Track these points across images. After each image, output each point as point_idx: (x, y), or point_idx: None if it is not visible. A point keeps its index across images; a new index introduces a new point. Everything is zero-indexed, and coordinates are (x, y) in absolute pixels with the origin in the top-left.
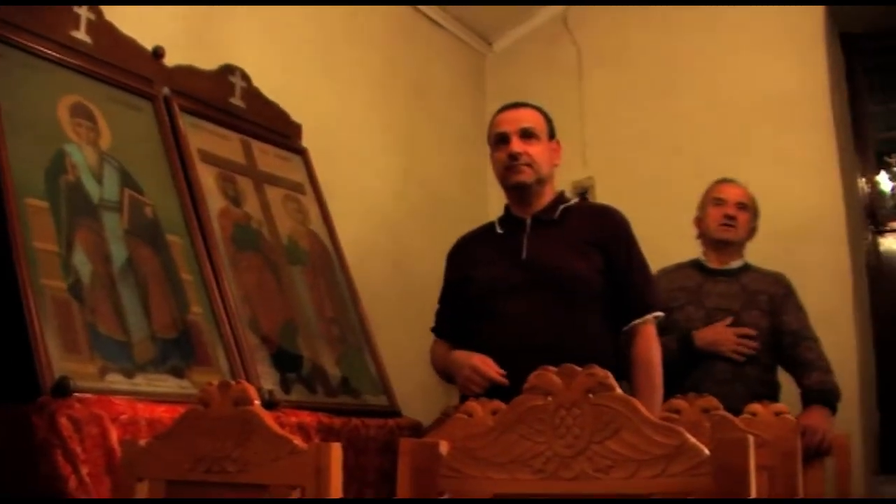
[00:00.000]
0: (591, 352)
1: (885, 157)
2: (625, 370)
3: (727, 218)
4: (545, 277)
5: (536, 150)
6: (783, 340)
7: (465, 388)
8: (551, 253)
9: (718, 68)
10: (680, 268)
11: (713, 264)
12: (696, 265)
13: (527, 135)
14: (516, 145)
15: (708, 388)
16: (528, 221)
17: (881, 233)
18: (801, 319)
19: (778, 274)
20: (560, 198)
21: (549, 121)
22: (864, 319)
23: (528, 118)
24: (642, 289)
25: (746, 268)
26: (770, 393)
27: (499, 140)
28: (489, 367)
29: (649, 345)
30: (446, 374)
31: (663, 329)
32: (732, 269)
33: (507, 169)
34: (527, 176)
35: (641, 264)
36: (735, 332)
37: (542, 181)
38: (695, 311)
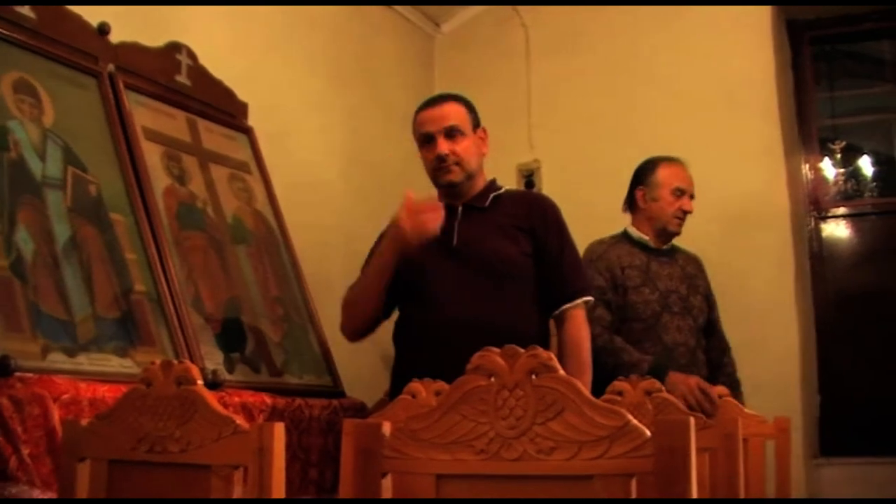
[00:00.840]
0: (521, 332)
1: (829, 143)
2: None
3: (684, 213)
4: (475, 261)
5: (463, 147)
6: (710, 327)
7: (416, 232)
8: (481, 238)
9: (666, 54)
10: (618, 242)
11: (654, 244)
12: (637, 244)
13: (452, 133)
14: (443, 146)
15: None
16: (460, 210)
17: (824, 219)
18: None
19: (695, 255)
20: (491, 185)
21: (472, 111)
22: (806, 304)
23: (451, 115)
24: (572, 274)
25: (674, 248)
26: (711, 376)
27: (424, 140)
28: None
29: (579, 328)
30: (374, 291)
31: (619, 308)
32: (668, 249)
33: (437, 170)
34: (456, 175)
35: (571, 249)
36: (703, 390)
37: (471, 176)
38: (650, 294)
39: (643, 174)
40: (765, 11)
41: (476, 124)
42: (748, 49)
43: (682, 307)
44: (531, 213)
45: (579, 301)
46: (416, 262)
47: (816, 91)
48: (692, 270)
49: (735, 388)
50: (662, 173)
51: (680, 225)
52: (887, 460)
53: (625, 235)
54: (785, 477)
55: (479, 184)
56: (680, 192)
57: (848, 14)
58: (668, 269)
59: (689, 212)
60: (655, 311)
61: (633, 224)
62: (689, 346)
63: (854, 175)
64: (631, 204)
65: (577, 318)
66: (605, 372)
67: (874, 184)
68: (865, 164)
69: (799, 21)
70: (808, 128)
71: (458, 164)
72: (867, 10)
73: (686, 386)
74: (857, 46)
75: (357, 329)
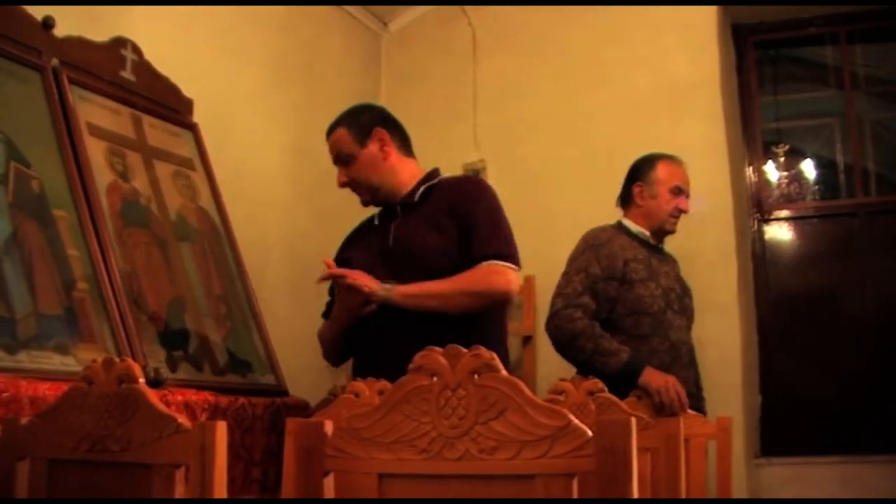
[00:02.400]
0: (457, 322)
1: (773, 147)
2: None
3: (680, 212)
4: (405, 259)
5: (355, 170)
6: None
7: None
8: (410, 234)
9: (612, 56)
10: (619, 233)
11: (652, 240)
12: (637, 238)
13: (342, 161)
14: (340, 177)
15: (676, 372)
16: (398, 209)
17: (766, 221)
18: None
19: (674, 258)
20: (425, 178)
21: (354, 125)
22: (749, 305)
23: (335, 144)
24: (486, 238)
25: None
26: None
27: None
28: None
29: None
30: (334, 340)
31: (624, 301)
32: (662, 247)
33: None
34: (363, 197)
35: (491, 220)
36: (677, 390)
37: (380, 187)
38: (655, 289)
39: (641, 170)
40: (710, 15)
41: (364, 136)
42: (693, 52)
43: (679, 306)
44: (457, 197)
45: (484, 264)
46: (357, 265)
47: (760, 95)
48: (678, 271)
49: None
50: (662, 171)
51: (675, 224)
52: (826, 460)
53: (622, 228)
54: (726, 477)
55: (407, 180)
56: (678, 191)
57: (792, 19)
58: (665, 266)
59: (686, 211)
60: (661, 306)
61: (629, 219)
62: (689, 346)
63: (797, 178)
64: (626, 199)
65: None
66: (584, 356)
67: (816, 187)
68: (808, 168)
69: (744, 25)
70: (751, 131)
71: (359, 187)
72: (811, 15)
73: (661, 383)
74: (801, 51)
75: (334, 362)
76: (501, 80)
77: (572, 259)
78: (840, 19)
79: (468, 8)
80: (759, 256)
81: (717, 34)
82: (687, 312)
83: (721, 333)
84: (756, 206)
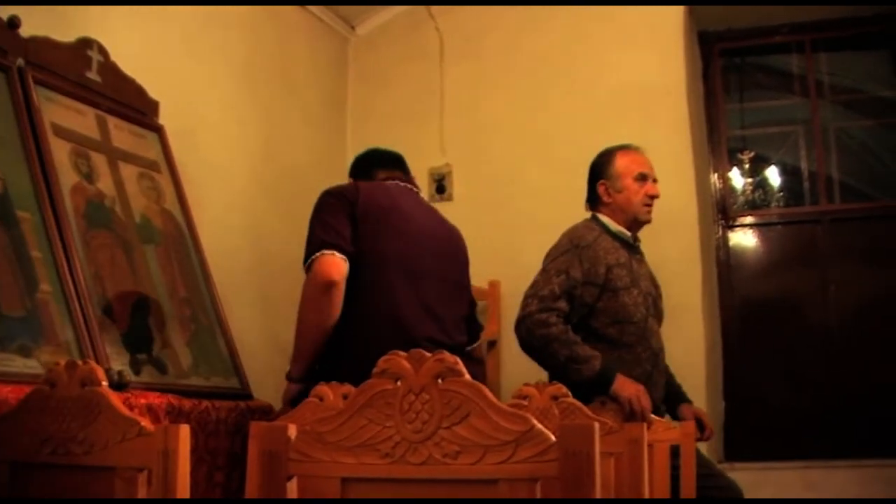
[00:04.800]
0: None
1: (738, 153)
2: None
3: (651, 198)
4: None
5: None
6: None
7: None
8: None
9: (579, 62)
10: (602, 233)
11: (630, 239)
12: (618, 238)
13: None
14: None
15: (657, 379)
16: None
17: (731, 227)
18: None
19: None
20: None
21: None
22: (713, 311)
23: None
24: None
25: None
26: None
27: None
28: None
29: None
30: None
31: (606, 311)
32: (638, 246)
33: None
34: None
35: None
36: (647, 401)
37: None
38: (637, 296)
39: (601, 167)
40: (677, 22)
41: None
42: (659, 59)
43: (655, 310)
44: None
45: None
46: None
47: (726, 102)
48: (651, 270)
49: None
50: (621, 162)
51: (649, 212)
52: (789, 465)
53: (601, 226)
54: (689, 482)
55: None
56: (643, 177)
57: (758, 27)
58: (643, 268)
59: (656, 196)
60: (643, 314)
61: (605, 217)
62: (664, 351)
63: (761, 185)
64: (593, 200)
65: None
66: (557, 361)
67: (780, 194)
68: (773, 175)
69: (710, 32)
70: (717, 138)
71: None
72: (777, 23)
73: (632, 392)
74: (767, 59)
75: None
76: (468, 84)
77: (553, 257)
78: (805, 28)
79: (435, 12)
80: (723, 262)
81: (683, 41)
82: (660, 316)
83: (685, 339)
84: (721, 212)
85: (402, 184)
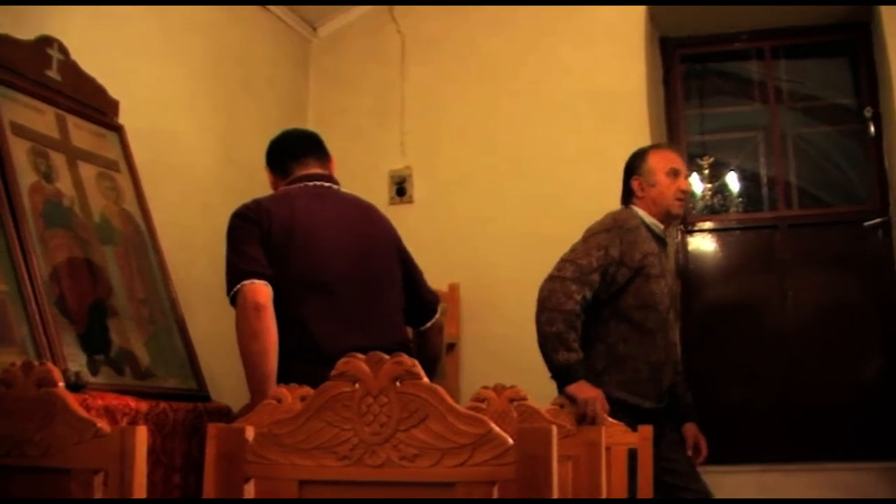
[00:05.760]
0: None
1: (698, 159)
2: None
3: (683, 193)
4: None
5: None
6: None
7: None
8: None
9: (540, 66)
10: (633, 217)
11: (662, 233)
12: (651, 230)
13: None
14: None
15: (665, 372)
16: None
17: (691, 232)
18: None
19: None
20: None
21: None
22: None
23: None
24: None
25: None
26: None
27: None
28: None
29: None
30: None
31: (638, 294)
32: (667, 241)
33: None
34: None
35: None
36: (601, 409)
37: None
38: (664, 286)
39: (635, 164)
40: (638, 27)
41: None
42: (621, 64)
43: (674, 306)
44: None
45: None
46: None
47: (686, 107)
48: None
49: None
50: (654, 158)
51: (681, 206)
52: (745, 468)
53: (639, 217)
54: (647, 485)
55: None
56: (675, 173)
57: (718, 33)
58: (668, 263)
59: (688, 191)
60: (666, 305)
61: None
62: (677, 346)
63: (721, 190)
64: (628, 195)
65: None
66: (547, 329)
67: (740, 199)
68: (732, 180)
69: (671, 38)
70: (677, 143)
71: None
72: (737, 30)
73: (591, 395)
74: (727, 65)
75: None
76: (429, 86)
77: (595, 231)
78: (765, 35)
79: (397, 14)
80: (682, 267)
81: (644, 46)
82: (677, 312)
83: None
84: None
85: (311, 184)
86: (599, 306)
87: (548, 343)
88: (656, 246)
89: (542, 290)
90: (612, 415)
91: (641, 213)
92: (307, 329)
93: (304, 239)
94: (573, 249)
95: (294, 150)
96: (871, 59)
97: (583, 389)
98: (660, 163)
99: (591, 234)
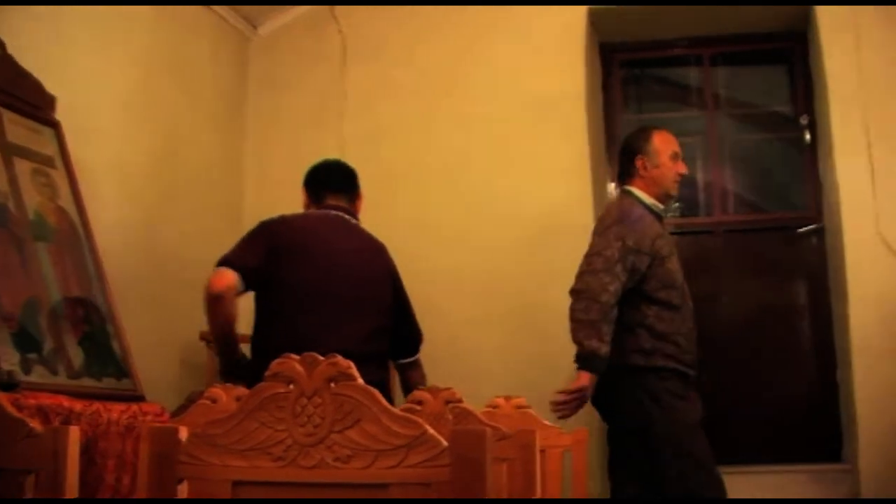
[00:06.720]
0: None
1: None
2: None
3: (680, 176)
4: None
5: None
6: None
7: None
8: None
9: (480, 69)
10: (644, 209)
11: (662, 212)
12: (652, 211)
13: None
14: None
15: (691, 335)
16: None
17: None
18: None
19: None
20: None
21: None
22: None
23: None
24: None
25: None
26: None
27: None
28: None
29: None
30: None
31: (655, 277)
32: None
33: None
34: None
35: None
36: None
37: None
38: (676, 263)
39: (639, 143)
40: (578, 32)
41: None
42: (559, 68)
43: (686, 288)
44: None
45: None
46: None
47: (625, 112)
48: None
49: None
50: (658, 139)
51: (677, 187)
52: None
53: (637, 200)
54: (581, 488)
55: None
56: (676, 156)
57: (658, 39)
58: (672, 238)
59: (685, 174)
60: (681, 279)
61: (637, 190)
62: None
63: None
64: (629, 173)
65: None
66: (582, 316)
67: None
68: None
69: (610, 43)
70: (615, 148)
71: None
72: (677, 36)
73: (584, 387)
74: (666, 71)
75: None
76: (370, 87)
77: (608, 225)
78: (704, 42)
79: (339, 13)
80: None
81: (584, 51)
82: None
83: None
84: None
85: (334, 213)
86: (629, 294)
87: (581, 330)
88: (660, 226)
89: (577, 284)
90: (671, 383)
91: (641, 194)
92: (292, 328)
93: (312, 255)
94: (594, 244)
95: (332, 183)
96: (807, 67)
97: (582, 379)
98: (664, 144)
99: (605, 227)
